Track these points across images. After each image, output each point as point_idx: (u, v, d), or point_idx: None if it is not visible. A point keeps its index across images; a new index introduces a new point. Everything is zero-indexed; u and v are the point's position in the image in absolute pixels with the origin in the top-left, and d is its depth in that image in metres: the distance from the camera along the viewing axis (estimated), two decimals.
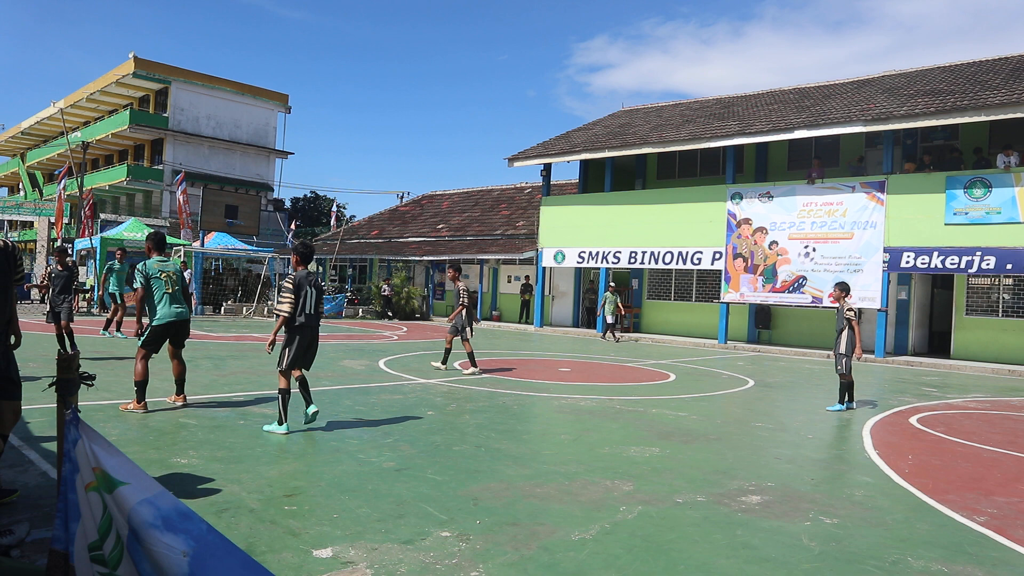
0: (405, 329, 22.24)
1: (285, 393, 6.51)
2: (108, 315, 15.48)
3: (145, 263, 7.36)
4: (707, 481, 5.44)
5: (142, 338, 7.23)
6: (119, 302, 15.17)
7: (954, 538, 4.35)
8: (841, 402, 9.40)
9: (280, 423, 6.44)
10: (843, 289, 9.57)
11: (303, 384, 6.70)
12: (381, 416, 7.50)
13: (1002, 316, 17.94)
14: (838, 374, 9.52)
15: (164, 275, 7.29)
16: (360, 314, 27.89)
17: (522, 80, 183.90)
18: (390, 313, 27.45)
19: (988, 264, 16.26)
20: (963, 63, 21.89)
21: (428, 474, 5.26)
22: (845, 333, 9.37)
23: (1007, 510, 4.99)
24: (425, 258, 28.77)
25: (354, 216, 57.14)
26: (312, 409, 6.60)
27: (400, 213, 37.36)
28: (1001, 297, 18.09)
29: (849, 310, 9.41)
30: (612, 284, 21.54)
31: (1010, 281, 17.96)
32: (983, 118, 16.12)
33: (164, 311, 7.24)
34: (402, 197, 42.15)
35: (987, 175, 16.56)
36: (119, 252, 16.15)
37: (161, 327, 7.24)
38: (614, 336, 20.54)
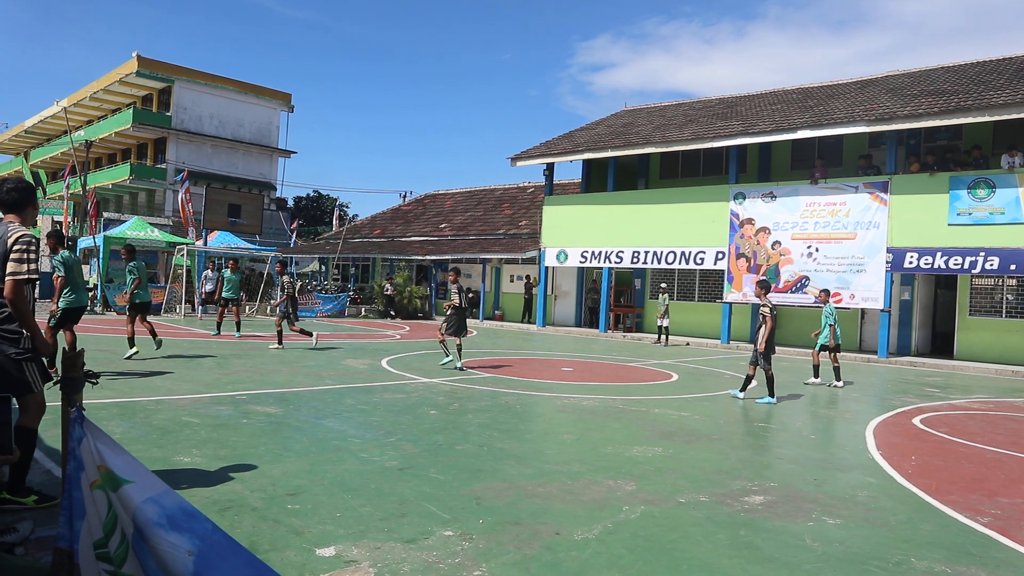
0: (407, 328, 22.23)
1: (442, 343, 11.82)
2: (217, 318, 17.09)
3: (64, 256, 8.57)
4: (710, 481, 5.44)
5: (54, 319, 8.56)
6: (238, 306, 16.94)
7: (957, 539, 4.35)
8: (771, 395, 9.74)
9: (445, 356, 11.72)
10: (762, 287, 10.13)
11: (459, 348, 11.53)
12: (384, 415, 7.51)
13: (1005, 317, 17.91)
14: (753, 366, 9.85)
15: (76, 267, 8.64)
16: (363, 313, 27.93)
17: (524, 79, 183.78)
18: (392, 312, 27.45)
19: (991, 265, 16.23)
20: (967, 63, 21.84)
21: (431, 473, 5.27)
22: (761, 329, 9.78)
23: (1010, 511, 4.98)
24: (428, 257, 28.77)
25: (357, 215, 57.13)
26: (457, 363, 11.36)
27: (403, 212, 37.37)
28: (1004, 298, 18.06)
29: (764, 307, 9.81)
30: (664, 285, 21.24)
31: (1013, 282, 17.92)
32: (987, 118, 16.10)
33: (76, 296, 8.70)
34: (405, 196, 42.14)
35: (991, 175, 16.52)
36: (232, 263, 17.40)
37: (72, 311, 8.68)
38: (666, 340, 20.17)
